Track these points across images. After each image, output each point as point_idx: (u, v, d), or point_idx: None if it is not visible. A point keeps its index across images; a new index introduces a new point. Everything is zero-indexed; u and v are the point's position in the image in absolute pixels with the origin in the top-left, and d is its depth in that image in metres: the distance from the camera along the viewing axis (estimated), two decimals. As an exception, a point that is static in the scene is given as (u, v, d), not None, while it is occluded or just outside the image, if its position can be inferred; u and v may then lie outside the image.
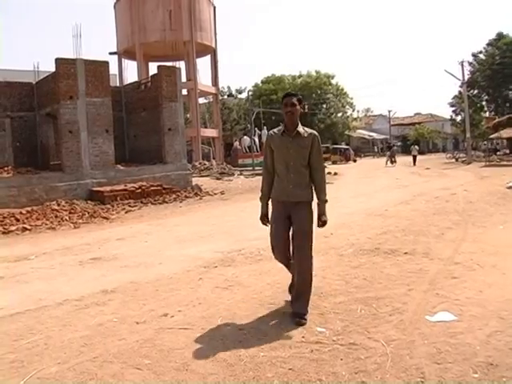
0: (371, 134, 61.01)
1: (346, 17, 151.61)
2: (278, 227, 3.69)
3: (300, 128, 3.67)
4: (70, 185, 13.63)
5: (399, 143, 57.92)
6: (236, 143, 37.57)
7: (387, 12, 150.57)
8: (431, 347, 3.00)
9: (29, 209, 11.43)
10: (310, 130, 3.73)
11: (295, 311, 3.62)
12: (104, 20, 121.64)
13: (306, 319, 3.54)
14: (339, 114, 49.28)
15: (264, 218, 3.81)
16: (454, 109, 43.75)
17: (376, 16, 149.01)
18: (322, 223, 3.68)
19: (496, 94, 40.36)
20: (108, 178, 14.42)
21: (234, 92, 50.44)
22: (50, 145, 16.39)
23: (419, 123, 60.23)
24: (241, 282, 4.74)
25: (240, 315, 3.74)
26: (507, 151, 38.59)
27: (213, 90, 34.34)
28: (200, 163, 28.43)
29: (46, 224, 10.14)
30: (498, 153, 36.17)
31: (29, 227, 9.70)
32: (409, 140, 54.31)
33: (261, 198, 3.86)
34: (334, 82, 48.88)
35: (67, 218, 10.84)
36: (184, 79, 25.97)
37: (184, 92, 27.28)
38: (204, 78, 34.85)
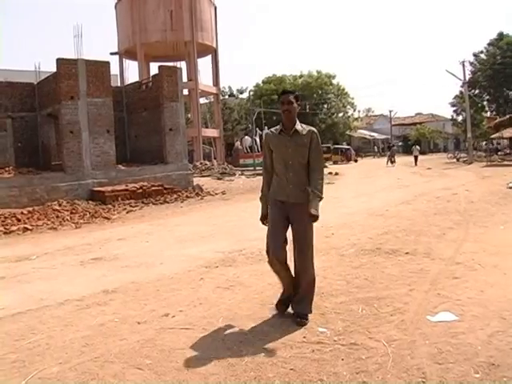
0: (372, 134, 60.91)
1: (346, 17, 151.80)
2: (276, 227, 3.57)
3: (298, 126, 3.55)
4: (72, 185, 13.65)
5: (400, 143, 57.87)
6: (237, 143, 37.58)
7: (388, 12, 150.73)
8: (432, 347, 3.00)
9: (30, 209, 11.44)
10: (308, 127, 3.62)
11: (297, 312, 3.59)
12: (105, 20, 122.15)
13: (307, 319, 3.52)
14: (340, 114, 49.26)
15: (264, 219, 3.74)
16: (455, 109, 43.64)
17: (377, 16, 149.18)
18: (310, 216, 3.39)
19: (497, 94, 40.31)
20: (109, 178, 14.44)
21: (235, 92, 50.52)
22: (51, 145, 16.41)
23: (420, 123, 60.09)
24: (242, 282, 4.74)
25: (241, 315, 3.74)
26: (508, 151, 38.52)
27: (214, 90, 34.38)
28: (201, 163, 28.43)
29: (48, 224, 10.15)
30: (500, 153, 36.19)
31: (30, 227, 9.71)
32: (410, 140, 54.27)
33: (261, 198, 3.80)
34: (334, 82, 48.84)
35: (68, 218, 10.85)
36: (185, 79, 26.05)
37: (185, 92, 27.28)
38: (205, 78, 35.05)
